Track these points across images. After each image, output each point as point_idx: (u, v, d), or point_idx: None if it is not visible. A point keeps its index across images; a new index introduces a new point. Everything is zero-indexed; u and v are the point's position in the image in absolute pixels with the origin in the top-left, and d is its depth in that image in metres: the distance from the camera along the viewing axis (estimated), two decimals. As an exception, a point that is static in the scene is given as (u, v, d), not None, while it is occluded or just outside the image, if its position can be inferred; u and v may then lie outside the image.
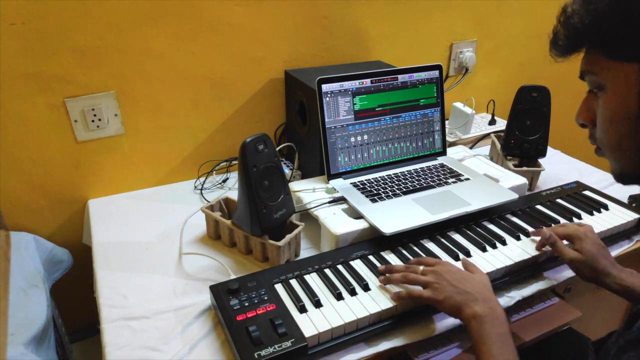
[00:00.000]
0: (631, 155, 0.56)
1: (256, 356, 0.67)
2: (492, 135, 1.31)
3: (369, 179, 1.07)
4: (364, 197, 1.00)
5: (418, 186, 1.05)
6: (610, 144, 0.58)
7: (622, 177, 0.59)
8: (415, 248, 0.91)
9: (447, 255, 0.89)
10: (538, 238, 0.92)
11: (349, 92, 1.06)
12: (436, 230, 0.95)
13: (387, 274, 0.81)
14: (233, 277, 0.85)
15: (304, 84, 1.11)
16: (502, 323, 0.68)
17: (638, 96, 0.52)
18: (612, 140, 0.57)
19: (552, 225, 0.99)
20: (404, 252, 0.90)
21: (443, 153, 1.20)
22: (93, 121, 1.08)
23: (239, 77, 1.20)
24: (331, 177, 1.07)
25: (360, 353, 0.75)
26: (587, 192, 1.13)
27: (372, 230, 0.93)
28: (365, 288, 0.81)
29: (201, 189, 1.20)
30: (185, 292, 0.86)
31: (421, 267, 0.78)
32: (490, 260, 0.88)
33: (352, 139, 1.08)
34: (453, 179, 1.08)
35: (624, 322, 0.56)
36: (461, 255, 0.88)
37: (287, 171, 1.20)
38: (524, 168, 1.18)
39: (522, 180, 1.11)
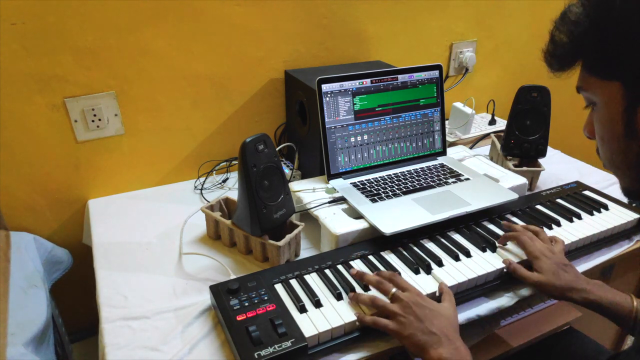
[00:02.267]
0: (625, 173, 0.56)
1: (256, 356, 0.67)
2: (492, 135, 1.31)
3: (369, 179, 1.07)
4: (364, 197, 1.00)
5: (418, 186, 1.05)
6: (606, 160, 0.58)
7: (626, 193, 0.59)
8: (415, 248, 0.91)
9: (447, 255, 0.89)
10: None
11: (349, 92, 1.06)
12: (436, 230, 0.95)
13: (356, 293, 0.78)
14: (233, 277, 0.85)
15: (304, 84, 1.11)
16: None
17: (622, 116, 0.51)
18: (606, 156, 0.57)
19: (552, 224, 0.99)
20: (404, 252, 0.90)
21: (443, 153, 1.20)
22: (93, 121, 1.08)
23: (239, 77, 1.20)
24: (331, 177, 1.07)
25: (360, 353, 0.75)
26: (587, 192, 1.13)
27: (372, 230, 0.93)
28: (365, 288, 0.81)
29: (201, 189, 1.20)
30: (185, 292, 0.86)
31: (393, 290, 0.75)
32: (490, 260, 0.88)
33: (352, 139, 1.08)
34: (453, 179, 1.08)
35: (631, 349, 0.54)
36: (438, 279, 0.83)
37: (287, 171, 1.20)
38: (524, 168, 1.18)
39: (522, 180, 1.11)
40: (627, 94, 0.50)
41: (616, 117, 0.52)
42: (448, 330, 0.70)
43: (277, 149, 1.08)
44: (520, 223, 0.99)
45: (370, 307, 0.76)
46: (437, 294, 0.80)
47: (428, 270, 0.85)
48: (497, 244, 0.91)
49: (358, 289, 0.80)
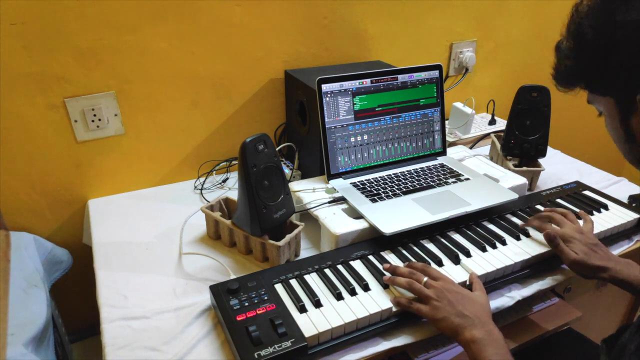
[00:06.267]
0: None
1: (256, 356, 0.67)
2: (492, 135, 1.31)
3: (369, 179, 1.07)
4: (364, 197, 1.00)
5: (418, 186, 1.05)
6: (625, 157, 0.66)
7: None
8: (415, 248, 0.91)
9: (447, 256, 0.89)
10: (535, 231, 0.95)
11: (349, 92, 1.06)
12: (436, 230, 0.95)
13: (391, 274, 0.82)
14: (233, 277, 0.85)
15: (304, 84, 1.11)
16: (501, 345, 0.69)
17: (621, 124, 0.60)
18: (622, 154, 0.66)
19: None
20: (404, 252, 0.90)
21: (443, 153, 1.20)
22: (93, 121, 1.08)
23: (239, 77, 1.20)
24: (331, 177, 1.07)
25: (360, 353, 0.75)
26: (587, 192, 1.13)
27: (372, 230, 0.93)
28: (365, 288, 0.81)
29: (201, 189, 1.20)
30: (185, 292, 0.86)
31: (425, 278, 0.78)
32: (490, 260, 0.88)
33: (352, 139, 1.08)
34: (453, 179, 1.08)
35: (638, 317, 0.57)
36: (469, 270, 0.85)
37: (287, 171, 1.20)
38: (524, 168, 1.18)
39: (522, 180, 1.11)
40: (620, 106, 0.60)
41: (617, 125, 0.61)
42: (481, 314, 0.73)
43: (277, 149, 1.08)
44: (521, 223, 0.99)
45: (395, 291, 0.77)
46: (468, 283, 0.83)
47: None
48: (525, 227, 0.96)
49: (359, 289, 0.80)
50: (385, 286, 0.81)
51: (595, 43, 0.58)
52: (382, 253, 0.90)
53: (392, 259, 0.89)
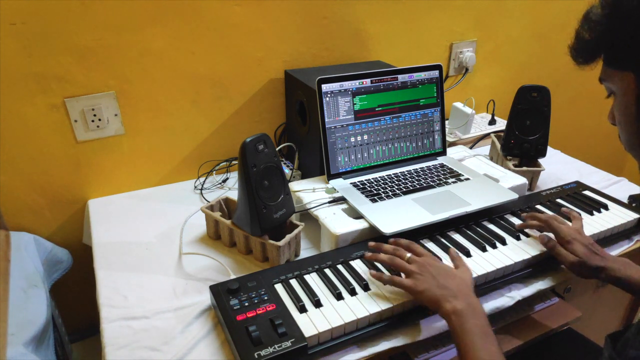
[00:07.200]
0: None
1: (256, 356, 0.67)
2: (492, 135, 1.31)
3: (369, 179, 1.07)
4: (364, 197, 1.00)
5: (418, 186, 1.05)
6: (625, 143, 0.65)
7: None
8: (415, 248, 0.91)
9: (447, 256, 0.89)
10: (533, 232, 0.95)
11: (349, 92, 1.06)
12: (436, 230, 0.95)
13: (374, 253, 0.83)
14: (233, 277, 0.85)
15: (304, 84, 1.11)
16: (482, 316, 0.70)
17: (636, 101, 0.59)
18: (625, 139, 0.64)
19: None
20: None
21: (443, 153, 1.20)
22: (93, 121, 1.08)
23: (239, 77, 1.20)
24: (331, 177, 1.07)
25: (360, 353, 0.75)
26: (587, 192, 1.13)
27: (372, 230, 0.93)
28: (365, 288, 0.81)
29: (201, 189, 1.20)
30: (185, 292, 0.86)
31: (408, 255, 0.80)
32: (490, 260, 0.88)
33: (352, 139, 1.08)
34: (453, 179, 1.08)
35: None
36: (451, 247, 0.87)
37: (287, 171, 1.20)
38: (524, 168, 1.18)
39: (522, 180, 1.11)
40: (639, 82, 0.58)
41: (631, 103, 0.60)
42: (462, 287, 0.74)
43: (277, 149, 1.08)
44: (518, 222, 0.99)
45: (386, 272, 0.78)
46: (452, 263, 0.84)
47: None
48: (517, 228, 0.96)
49: (359, 289, 0.80)
50: (385, 286, 0.81)
51: (636, 11, 0.56)
52: (382, 253, 0.90)
53: (392, 259, 0.89)
